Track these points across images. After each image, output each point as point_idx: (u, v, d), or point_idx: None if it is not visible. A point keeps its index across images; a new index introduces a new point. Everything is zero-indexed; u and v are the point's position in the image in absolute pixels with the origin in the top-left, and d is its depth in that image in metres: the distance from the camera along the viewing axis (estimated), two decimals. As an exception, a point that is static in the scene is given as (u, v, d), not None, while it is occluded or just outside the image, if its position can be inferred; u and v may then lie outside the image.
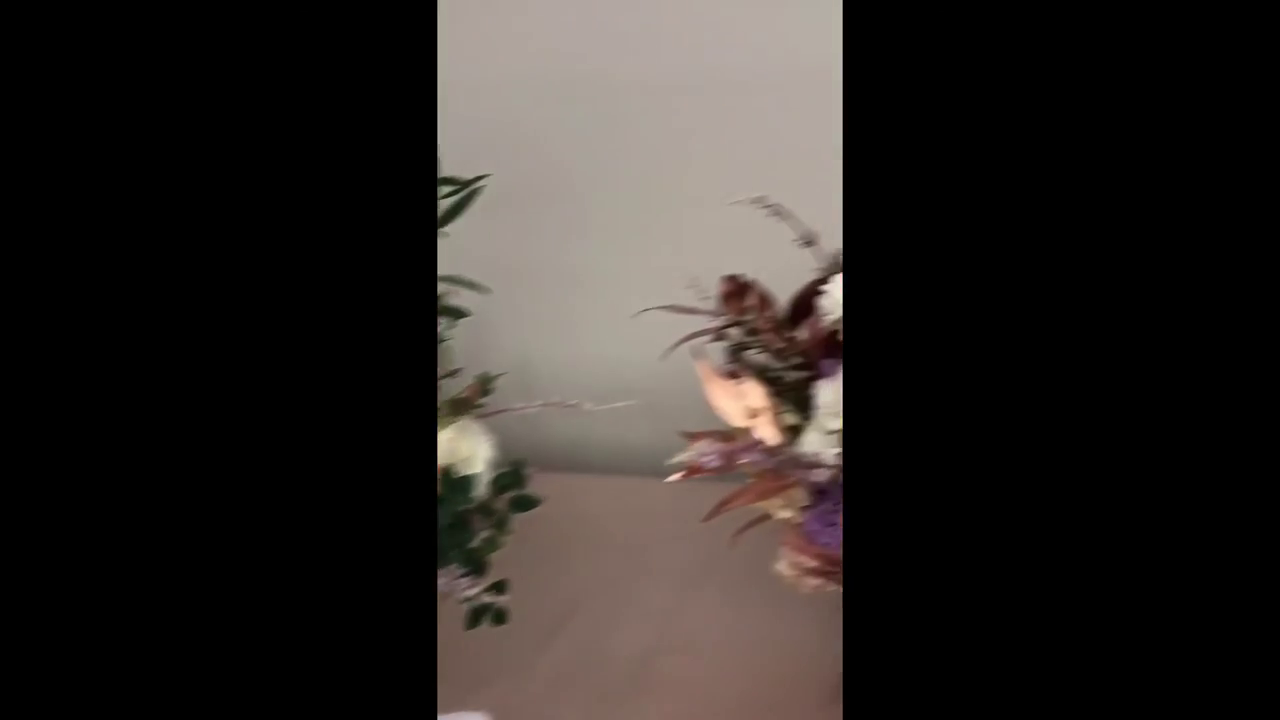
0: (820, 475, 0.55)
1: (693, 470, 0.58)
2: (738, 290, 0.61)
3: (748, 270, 0.67)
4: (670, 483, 0.61)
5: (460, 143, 0.66)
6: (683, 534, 0.79)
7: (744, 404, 0.59)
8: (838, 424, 0.56)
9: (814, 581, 0.59)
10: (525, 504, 0.68)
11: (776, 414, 0.59)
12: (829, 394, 0.57)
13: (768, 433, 0.59)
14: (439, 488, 0.63)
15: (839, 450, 0.55)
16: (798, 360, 0.65)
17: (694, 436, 0.64)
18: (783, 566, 0.61)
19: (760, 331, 0.65)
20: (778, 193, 0.63)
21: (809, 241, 0.63)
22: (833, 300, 0.58)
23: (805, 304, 0.61)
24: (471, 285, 0.70)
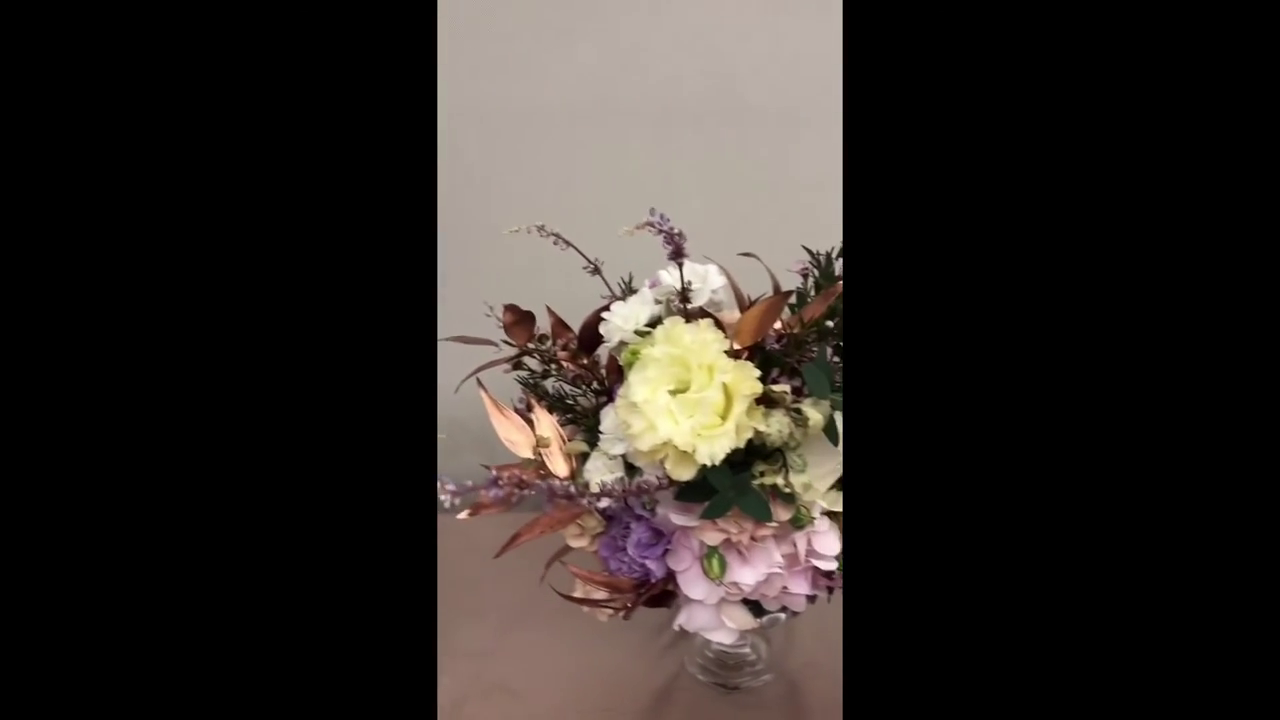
0: (605, 502, 0.55)
1: (478, 507, 0.56)
2: (520, 319, 0.60)
3: (559, 298, 0.67)
4: (494, 518, 0.59)
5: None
6: (508, 571, 0.77)
7: (531, 435, 0.58)
8: (621, 449, 0.56)
9: (607, 611, 0.59)
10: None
11: (565, 443, 0.58)
12: (610, 420, 0.56)
13: (556, 463, 0.58)
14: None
15: (621, 475, 0.55)
16: (596, 387, 0.65)
17: (498, 469, 0.63)
18: (579, 596, 0.60)
19: (556, 360, 0.64)
20: (570, 220, 0.63)
21: (595, 269, 0.63)
22: (612, 326, 0.58)
23: (594, 330, 0.61)
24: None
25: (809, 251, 0.60)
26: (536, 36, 0.89)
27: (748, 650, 0.75)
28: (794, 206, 0.75)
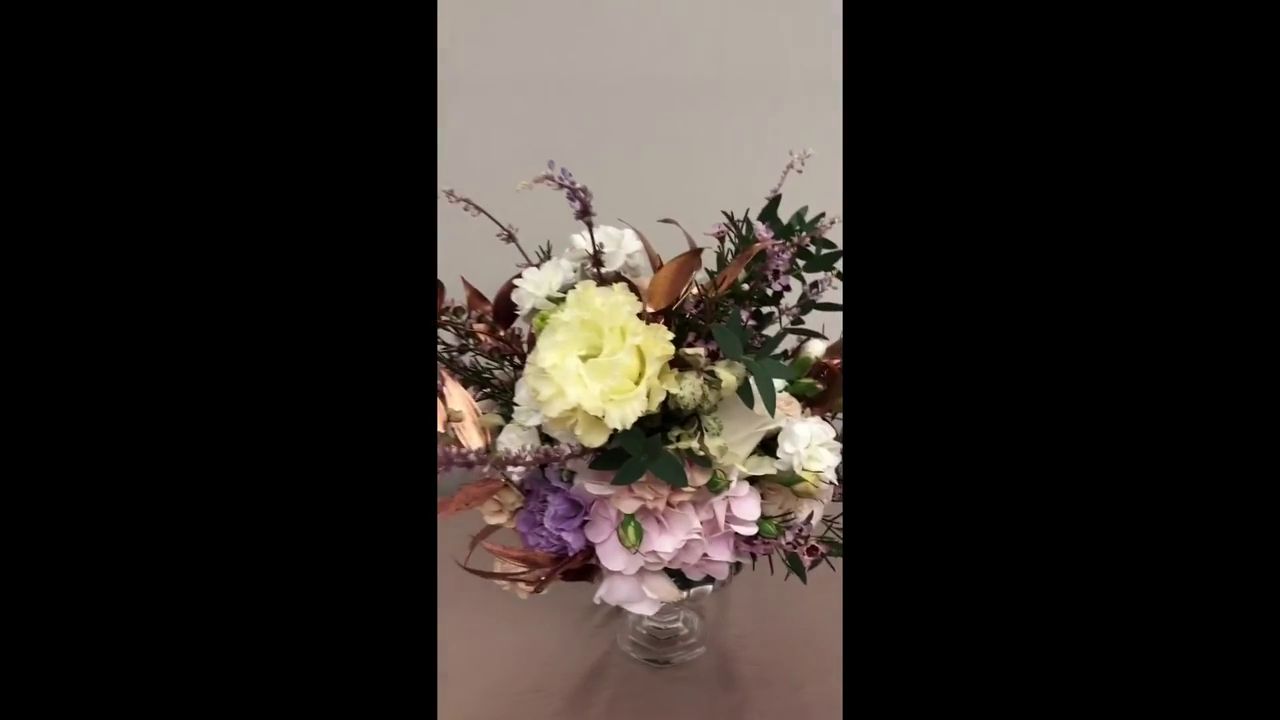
0: (516, 473, 0.53)
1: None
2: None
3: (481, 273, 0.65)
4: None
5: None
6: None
7: (443, 410, 0.56)
8: (536, 420, 0.54)
9: (526, 588, 0.57)
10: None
11: (479, 417, 0.57)
12: (523, 390, 0.55)
13: (470, 437, 0.56)
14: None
15: (535, 445, 0.54)
16: (516, 361, 0.63)
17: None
18: (498, 572, 0.58)
19: (473, 332, 0.63)
20: (490, 189, 0.61)
21: (509, 237, 0.61)
22: (524, 293, 0.56)
23: (509, 300, 0.60)
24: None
25: (726, 215, 0.59)
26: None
27: (679, 625, 0.74)
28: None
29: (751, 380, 0.51)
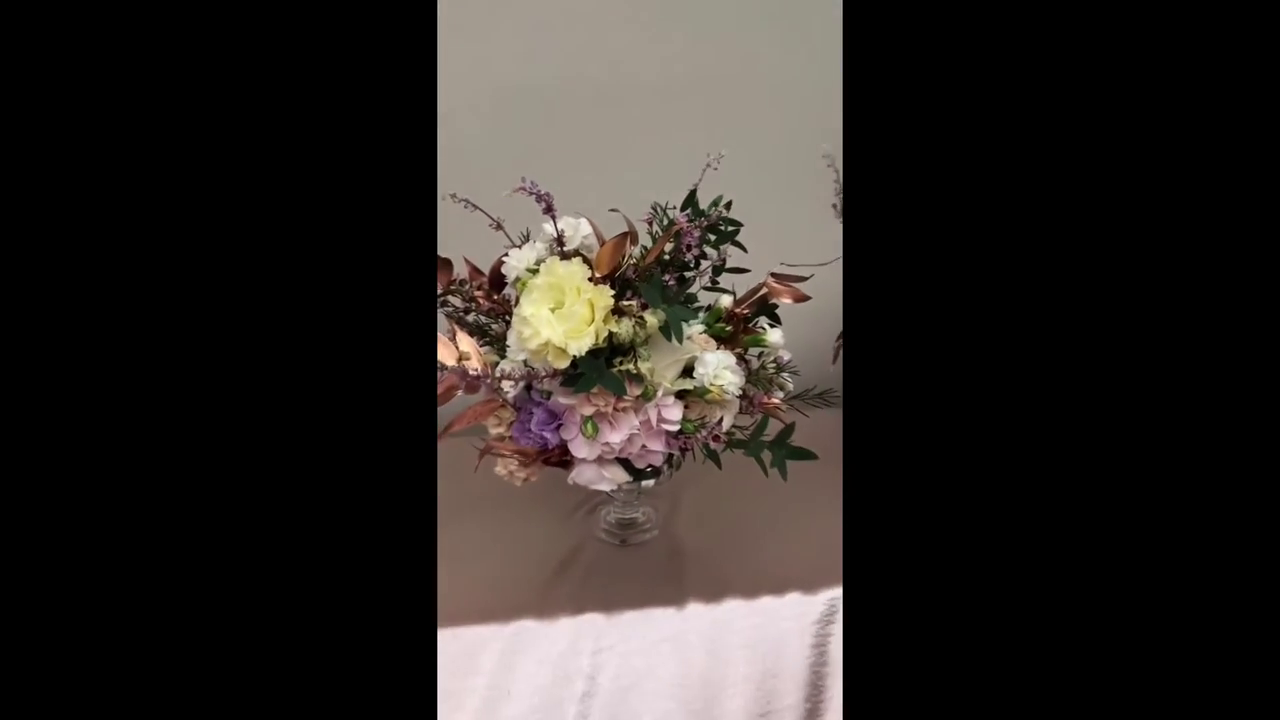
0: (511, 388, 0.76)
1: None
2: (440, 266, 0.81)
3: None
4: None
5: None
6: (445, 469, 0.98)
7: (455, 351, 0.79)
8: (521, 356, 0.77)
9: (522, 474, 0.80)
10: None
11: (480, 354, 0.79)
12: (512, 335, 0.78)
13: (476, 366, 0.79)
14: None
15: (523, 365, 0.76)
16: (508, 318, 0.86)
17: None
18: (499, 469, 0.81)
19: (474, 298, 0.85)
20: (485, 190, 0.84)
21: (498, 226, 0.83)
22: (510, 266, 0.79)
23: (499, 272, 0.82)
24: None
25: (654, 206, 0.82)
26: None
27: (639, 515, 0.97)
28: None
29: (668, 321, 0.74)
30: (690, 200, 0.84)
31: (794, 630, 0.83)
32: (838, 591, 0.85)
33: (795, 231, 0.88)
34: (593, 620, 0.83)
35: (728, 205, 0.83)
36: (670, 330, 0.74)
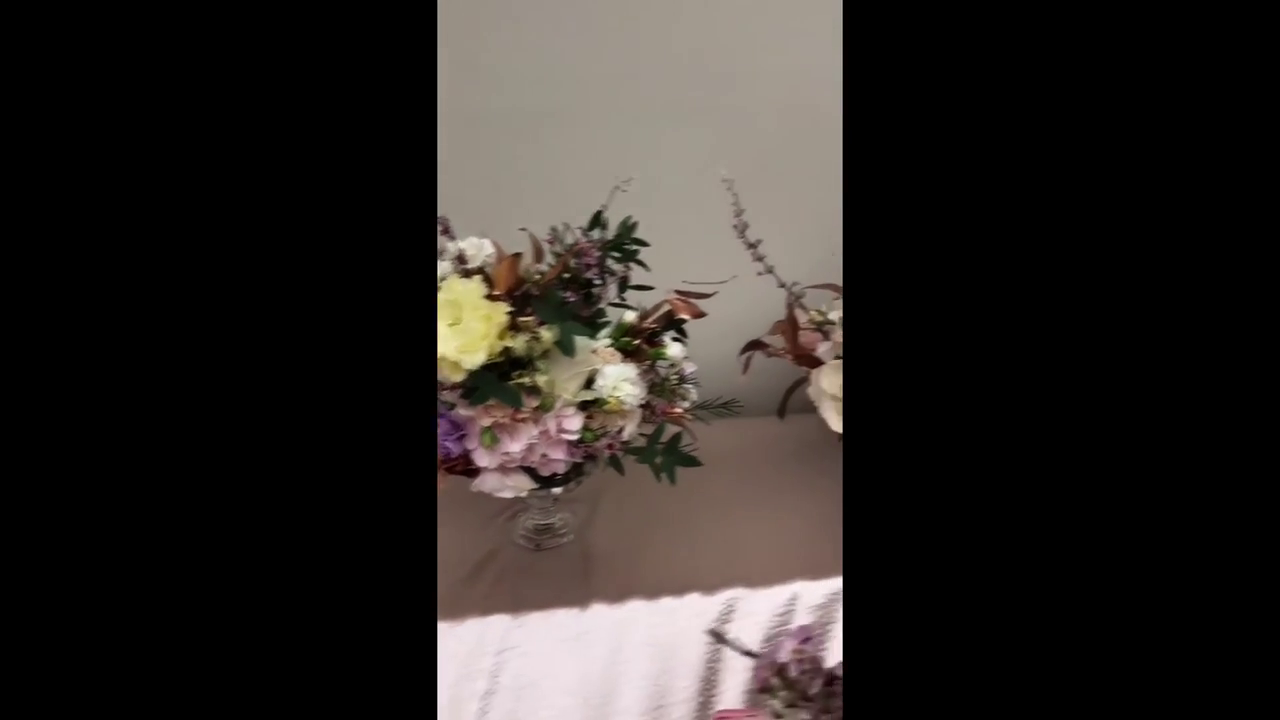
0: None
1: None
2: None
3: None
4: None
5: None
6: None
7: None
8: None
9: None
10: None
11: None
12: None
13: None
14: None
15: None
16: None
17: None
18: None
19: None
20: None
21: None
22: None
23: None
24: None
25: (553, 228, 0.86)
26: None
27: (556, 521, 1.01)
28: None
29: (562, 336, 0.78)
30: (596, 221, 0.88)
31: (693, 629, 0.87)
32: (737, 591, 0.89)
33: (701, 251, 0.92)
34: (500, 621, 0.87)
35: (633, 226, 0.88)
36: (565, 345, 0.78)
